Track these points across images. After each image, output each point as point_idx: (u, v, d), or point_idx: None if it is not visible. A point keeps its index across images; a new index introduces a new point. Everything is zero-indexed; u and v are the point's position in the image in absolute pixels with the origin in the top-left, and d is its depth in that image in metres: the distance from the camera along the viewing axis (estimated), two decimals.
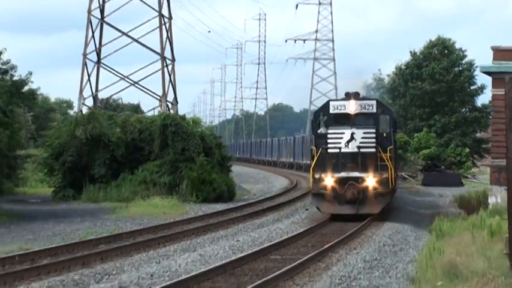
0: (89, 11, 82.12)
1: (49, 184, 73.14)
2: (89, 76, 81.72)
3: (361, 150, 42.99)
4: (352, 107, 43.72)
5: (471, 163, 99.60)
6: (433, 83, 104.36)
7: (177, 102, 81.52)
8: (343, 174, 42.56)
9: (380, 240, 36.29)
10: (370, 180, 42.37)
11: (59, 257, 30.30)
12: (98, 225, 44.85)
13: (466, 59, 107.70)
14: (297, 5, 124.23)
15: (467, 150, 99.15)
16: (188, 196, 61.38)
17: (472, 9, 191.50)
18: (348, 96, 44.86)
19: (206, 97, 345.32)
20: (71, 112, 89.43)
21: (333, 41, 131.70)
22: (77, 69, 76.03)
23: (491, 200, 48.02)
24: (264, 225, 44.13)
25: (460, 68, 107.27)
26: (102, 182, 65.35)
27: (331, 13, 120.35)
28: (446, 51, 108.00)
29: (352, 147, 42.79)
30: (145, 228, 41.46)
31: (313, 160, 44.42)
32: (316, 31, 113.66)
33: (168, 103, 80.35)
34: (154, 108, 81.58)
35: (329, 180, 42.56)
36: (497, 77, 48.28)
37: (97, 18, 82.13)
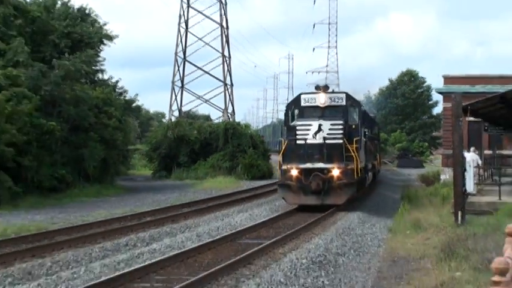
0: (176, 53, 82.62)
1: (149, 168, 73.75)
2: (175, 96, 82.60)
3: (327, 141, 31.83)
4: (321, 100, 33.22)
5: (429, 153, 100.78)
6: (403, 100, 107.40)
7: (234, 113, 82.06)
8: (308, 165, 31.68)
9: (370, 204, 36.28)
10: (335, 171, 31.41)
11: (157, 216, 30.45)
12: (182, 195, 45.05)
13: (425, 84, 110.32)
14: (313, 48, 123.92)
15: (427, 144, 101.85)
16: (242, 175, 61.77)
17: (430, 51, 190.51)
18: (318, 89, 34.15)
19: (254, 110, 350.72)
20: (164, 120, 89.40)
21: (337, 72, 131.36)
22: (168, 92, 76.49)
23: (443, 177, 47.87)
24: None
25: (422, 90, 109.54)
26: (184, 166, 66.07)
27: (336, 53, 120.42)
28: (412, 79, 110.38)
29: (319, 139, 31.82)
30: (213, 197, 41.55)
31: (281, 151, 33.56)
32: (327, 65, 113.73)
33: (228, 114, 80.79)
34: (219, 118, 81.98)
35: (294, 171, 31.76)
36: (446, 95, 48.23)
37: (181, 57, 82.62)
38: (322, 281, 16.38)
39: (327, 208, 31.02)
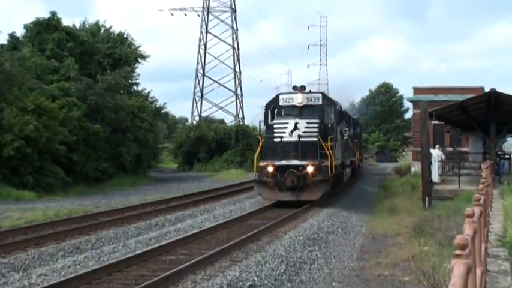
0: (197, 69, 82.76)
1: (175, 162, 73.68)
2: (196, 104, 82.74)
3: (302, 139, 27.25)
4: (299, 99, 29.09)
5: (402, 149, 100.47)
6: (381, 107, 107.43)
7: (243, 118, 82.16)
8: (283, 162, 27.12)
9: (354, 191, 36.19)
10: (309, 168, 26.84)
11: (181, 201, 30.36)
12: (202, 184, 44.99)
13: (398, 94, 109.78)
14: (308, 65, 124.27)
15: (400, 142, 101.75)
16: (250, 168, 61.54)
17: (402, 67, 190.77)
18: (296, 89, 30.06)
19: (260, 115, 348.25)
20: (187, 123, 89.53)
21: (327, 84, 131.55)
22: (190, 101, 76.48)
23: (413, 169, 47.72)
24: None
25: (395, 99, 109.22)
26: (203, 161, 65.97)
27: (326, 69, 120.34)
28: (388, 89, 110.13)
29: (295, 137, 27.36)
30: (227, 186, 41.49)
31: (258, 149, 28.86)
32: (318, 79, 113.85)
33: (239, 118, 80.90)
34: (231, 121, 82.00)
35: (270, 168, 27.17)
36: (415, 103, 48.04)
37: (201, 73, 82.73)
38: (316, 254, 16.34)
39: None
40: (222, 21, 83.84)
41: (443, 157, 35.33)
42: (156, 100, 65.02)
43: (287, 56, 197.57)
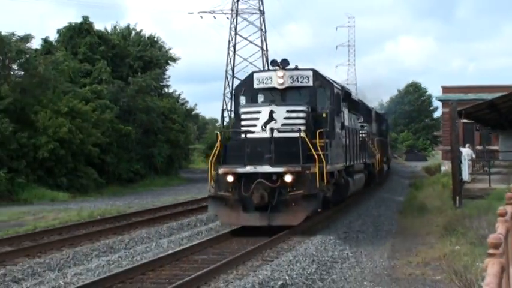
0: (226, 71, 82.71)
1: (205, 163, 73.69)
2: (226, 105, 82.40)
3: (278, 134, 18.48)
4: (279, 79, 20.13)
5: (431, 149, 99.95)
6: (410, 106, 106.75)
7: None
8: (248, 169, 18.36)
9: (383, 191, 36.00)
10: (287, 177, 17.99)
11: None
12: None
13: (427, 93, 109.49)
14: (336, 66, 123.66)
15: (429, 141, 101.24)
16: None
17: (430, 66, 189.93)
18: (276, 64, 20.53)
19: None
20: (217, 124, 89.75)
21: (356, 84, 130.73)
22: (220, 102, 77.20)
23: (443, 168, 47.41)
24: None
25: (424, 98, 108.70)
26: None
27: (355, 69, 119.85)
28: (416, 89, 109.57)
29: (269, 131, 18.54)
30: None
31: (214, 149, 19.78)
32: (347, 79, 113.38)
33: None
34: None
35: (230, 177, 18.57)
36: (444, 102, 47.83)
37: (230, 74, 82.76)
38: (346, 253, 16.27)
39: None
40: (251, 23, 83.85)
41: (474, 156, 35.03)
42: (187, 101, 65.20)
43: (315, 57, 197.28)
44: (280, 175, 17.99)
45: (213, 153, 19.38)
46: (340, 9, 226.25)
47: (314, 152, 17.93)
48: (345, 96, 22.70)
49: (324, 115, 19.93)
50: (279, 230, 17.92)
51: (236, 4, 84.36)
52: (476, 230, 16.81)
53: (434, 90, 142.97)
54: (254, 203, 18.03)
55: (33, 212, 26.51)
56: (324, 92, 20.47)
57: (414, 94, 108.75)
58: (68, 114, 37.26)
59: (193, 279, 12.38)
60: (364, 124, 29.90)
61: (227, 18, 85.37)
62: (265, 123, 18.70)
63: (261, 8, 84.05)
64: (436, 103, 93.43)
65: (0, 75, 37.15)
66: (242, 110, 20.00)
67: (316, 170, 17.85)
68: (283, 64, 20.28)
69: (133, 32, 57.78)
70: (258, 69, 20.34)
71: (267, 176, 18.04)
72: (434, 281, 13.12)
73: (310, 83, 20.20)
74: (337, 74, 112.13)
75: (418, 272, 14.08)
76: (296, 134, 18.24)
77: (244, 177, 18.26)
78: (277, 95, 20.41)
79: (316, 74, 20.41)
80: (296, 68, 20.76)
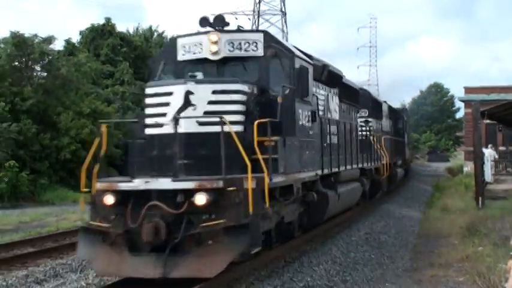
0: None
1: None
2: None
3: (189, 130, 10.87)
4: (213, 46, 12.46)
5: (453, 149, 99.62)
6: (432, 107, 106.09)
7: None
8: (137, 183, 10.37)
9: (408, 191, 35.81)
10: (199, 198, 9.79)
11: None
12: None
13: (449, 93, 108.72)
14: (358, 66, 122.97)
15: (451, 142, 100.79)
16: None
17: (452, 67, 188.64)
18: (207, 24, 12.71)
19: None
20: None
21: (377, 85, 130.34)
22: None
23: (465, 169, 47.10)
24: None
25: (446, 98, 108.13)
26: None
27: (376, 70, 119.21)
28: (439, 89, 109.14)
29: (173, 123, 10.65)
30: None
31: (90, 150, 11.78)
32: (368, 80, 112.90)
33: None
34: None
35: (110, 198, 10.39)
36: (467, 102, 47.62)
37: None
38: (369, 255, 16.16)
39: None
40: (273, 24, 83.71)
41: (496, 156, 34.76)
42: None
43: (337, 58, 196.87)
44: (188, 193, 10.34)
45: (88, 156, 11.97)
46: (361, 10, 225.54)
47: (259, 156, 10.85)
48: (321, 74, 15.95)
49: (278, 99, 12.18)
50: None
51: (258, 5, 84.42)
52: (499, 231, 16.67)
53: (457, 91, 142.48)
54: (143, 240, 10.39)
55: (56, 213, 26.64)
56: (280, 64, 13.07)
57: (436, 95, 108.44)
58: (90, 115, 37.46)
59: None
60: (370, 119, 25.40)
61: (249, 19, 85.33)
62: (179, 111, 11.34)
63: (283, 9, 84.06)
64: (459, 104, 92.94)
65: (23, 77, 37.49)
66: (146, 90, 12.49)
67: (249, 185, 10.37)
68: (218, 23, 12.99)
69: (156, 34, 58.06)
70: (183, 34, 13.47)
71: (167, 195, 10.50)
72: (457, 282, 12.99)
73: (260, 52, 12.97)
74: (359, 74, 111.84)
75: (440, 273, 13.96)
76: (216, 128, 10.76)
77: (133, 197, 10.73)
78: (211, 70, 13.22)
79: (269, 39, 13.20)
80: (239, 30, 13.70)
